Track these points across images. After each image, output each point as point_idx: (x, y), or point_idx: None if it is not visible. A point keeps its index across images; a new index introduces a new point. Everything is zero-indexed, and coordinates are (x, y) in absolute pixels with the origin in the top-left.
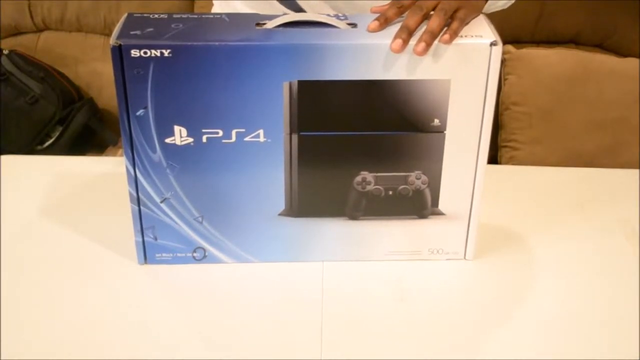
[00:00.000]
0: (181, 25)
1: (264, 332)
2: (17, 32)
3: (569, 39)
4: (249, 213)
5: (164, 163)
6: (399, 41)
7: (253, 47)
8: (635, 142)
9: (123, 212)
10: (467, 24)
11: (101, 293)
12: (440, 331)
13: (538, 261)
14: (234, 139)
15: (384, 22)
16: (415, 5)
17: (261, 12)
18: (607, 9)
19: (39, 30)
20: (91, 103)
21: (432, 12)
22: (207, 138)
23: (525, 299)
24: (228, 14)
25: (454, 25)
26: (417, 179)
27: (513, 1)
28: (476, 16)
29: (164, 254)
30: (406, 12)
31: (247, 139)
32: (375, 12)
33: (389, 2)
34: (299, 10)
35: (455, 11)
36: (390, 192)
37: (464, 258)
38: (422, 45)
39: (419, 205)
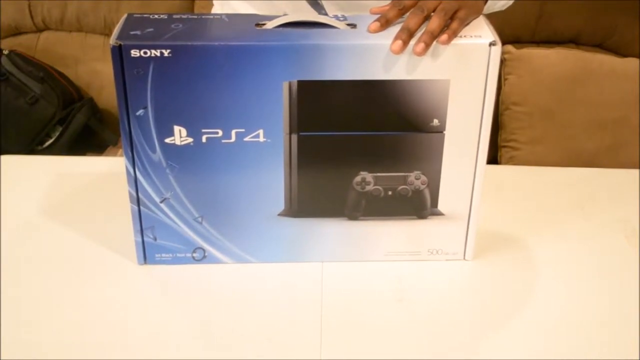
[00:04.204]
0: (181, 26)
1: (263, 332)
2: (17, 32)
3: (569, 39)
4: (249, 213)
5: (164, 163)
6: (399, 42)
7: (253, 47)
8: (635, 142)
9: (123, 212)
10: (467, 24)
11: (101, 293)
12: (440, 331)
13: (538, 261)
14: (233, 139)
15: (385, 23)
16: (416, 6)
17: (261, 12)
18: (607, 9)
19: (39, 30)
20: (91, 103)
21: (432, 13)
22: (207, 138)
23: (524, 299)
24: (228, 14)
25: (454, 25)
26: (416, 179)
27: (512, 2)
28: (476, 17)
29: (163, 254)
30: (407, 14)
31: (246, 139)
32: (375, 13)
33: (389, 2)
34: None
35: (456, 12)
36: (390, 193)
37: (464, 258)
38: (422, 45)
39: (419, 205)
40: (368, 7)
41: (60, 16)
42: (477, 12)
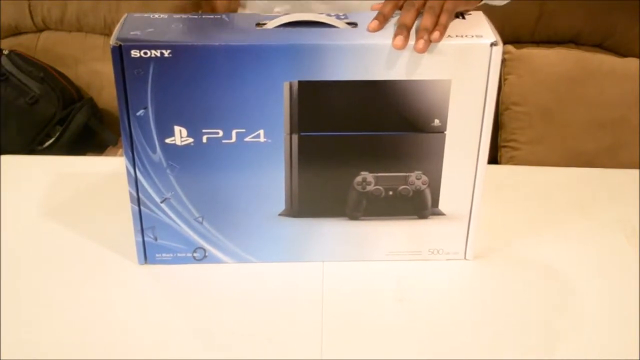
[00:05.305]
0: (181, 26)
1: (264, 332)
2: (17, 32)
3: (569, 39)
4: (249, 213)
5: (164, 163)
6: (400, 37)
7: (253, 47)
8: (635, 142)
9: (123, 212)
10: (462, 16)
11: (101, 293)
12: (440, 331)
13: (538, 261)
14: (234, 139)
15: (383, 19)
16: (407, 2)
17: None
18: (607, 9)
19: (39, 30)
20: (91, 103)
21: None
22: (208, 138)
23: (525, 299)
24: (228, 14)
25: (442, 19)
26: (417, 179)
27: None
28: (470, 7)
29: (164, 254)
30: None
31: (247, 139)
32: (375, 10)
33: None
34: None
35: (443, 4)
36: (391, 193)
37: (464, 258)
38: (421, 42)
39: (419, 205)
40: (358, 7)
41: (60, 16)
42: (468, 2)
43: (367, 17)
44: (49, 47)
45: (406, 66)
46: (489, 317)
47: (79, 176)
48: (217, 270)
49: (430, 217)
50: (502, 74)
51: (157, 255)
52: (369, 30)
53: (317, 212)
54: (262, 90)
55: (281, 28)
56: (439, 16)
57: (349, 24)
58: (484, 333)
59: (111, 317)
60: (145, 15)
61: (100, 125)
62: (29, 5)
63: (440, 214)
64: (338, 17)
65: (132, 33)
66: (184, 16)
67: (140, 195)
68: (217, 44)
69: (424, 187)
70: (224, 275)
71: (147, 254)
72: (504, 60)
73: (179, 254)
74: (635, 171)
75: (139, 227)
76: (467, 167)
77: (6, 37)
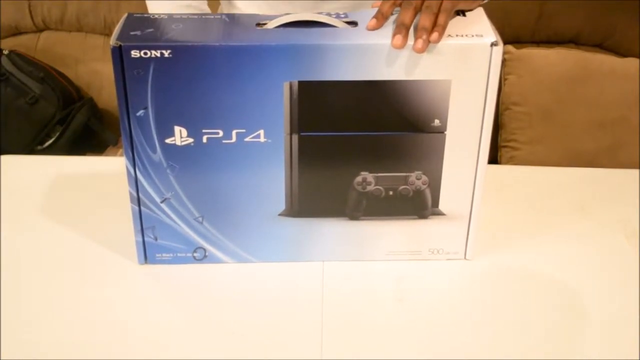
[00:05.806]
0: (181, 26)
1: (263, 332)
2: (17, 32)
3: (569, 39)
4: (249, 213)
5: (164, 163)
6: (399, 37)
7: (253, 48)
8: (635, 142)
9: (123, 212)
10: (462, 13)
11: (101, 293)
12: (440, 331)
13: (538, 261)
14: (234, 139)
15: (382, 18)
16: (405, 1)
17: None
18: (607, 9)
19: (39, 30)
20: (91, 103)
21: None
22: (208, 138)
23: (525, 299)
24: (228, 14)
25: (441, 19)
26: (417, 179)
27: None
28: (471, 6)
29: (164, 254)
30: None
31: (247, 139)
32: (375, 8)
33: None
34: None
35: (441, 4)
36: (391, 193)
37: (464, 258)
38: (420, 42)
39: (419, 205)
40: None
41: (60, 16)
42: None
43: (367, 16)
44: (49, 47)
45: (406, 66)
46: (489, 317)
47: (79, 176)
48: (217, 270)
49: (430, 217)
50: (502, 74)
51: (157, 255)
52: (368, 29)
53: (317, 212)
54: (262, 90)
55: (281, 28)
56: (437, 15)
57: (348, 23)
58: (484, 333)
59: (111, 317)
60: (145, 15)
61: (100, 125)
62: (29, 5)
63: (440, 213)
64: (338, 16)
65: (132, 33)
66: (184, 16)
67: (140, 195)
68: (217, 44)
69: (424, 187)
70: (224, 275)
71: (147, 254)
72: (504, 60)
73: (179, 254)
74: (635, 171)
75: (139, 227)
76: (467, 167)
77: (6, 37)
